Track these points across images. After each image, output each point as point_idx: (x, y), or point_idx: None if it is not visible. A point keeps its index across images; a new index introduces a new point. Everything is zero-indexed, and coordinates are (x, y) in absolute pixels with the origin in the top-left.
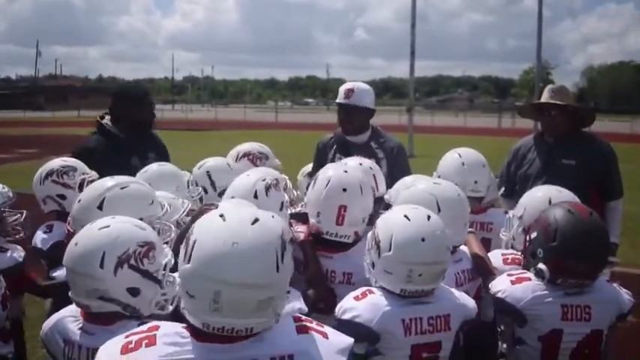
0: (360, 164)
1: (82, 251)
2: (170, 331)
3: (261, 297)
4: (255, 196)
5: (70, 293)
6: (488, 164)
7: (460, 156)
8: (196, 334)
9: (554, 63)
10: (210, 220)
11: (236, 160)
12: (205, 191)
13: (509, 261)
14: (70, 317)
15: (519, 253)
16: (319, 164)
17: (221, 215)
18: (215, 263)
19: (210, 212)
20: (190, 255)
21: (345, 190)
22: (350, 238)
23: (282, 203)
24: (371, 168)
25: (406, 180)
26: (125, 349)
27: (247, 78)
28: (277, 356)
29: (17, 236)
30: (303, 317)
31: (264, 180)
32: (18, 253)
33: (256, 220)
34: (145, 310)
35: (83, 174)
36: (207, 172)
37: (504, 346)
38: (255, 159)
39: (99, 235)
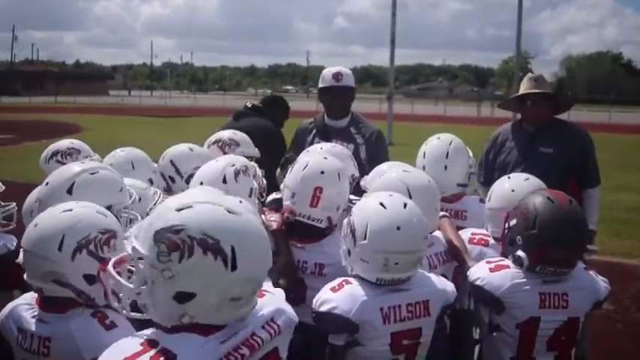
0: (333, 146)
1: (41, 233)
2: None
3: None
4: (224, 181)
5: (25, 275)
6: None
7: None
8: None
9: (533, 53)
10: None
11: (208, 147)
12: (172, 180)
13: (475, 241)
14: (25, 305)
15: (490, 236)
16: (297, 149)
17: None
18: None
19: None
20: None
21: (322, 172)
22: (322, 223)
23: (251, 190)
24: (338, 150)
25: (381, 167)
26: None
27: (227, 65)
28: None
29: (7, 228)
30: None
31: (233, 165)
32: (10, 242)
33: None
34: (100, 300)
35: (86, 157)
36: (171, 160)
37: (478, 331)
38: (224, 145)
39: (60, 218)
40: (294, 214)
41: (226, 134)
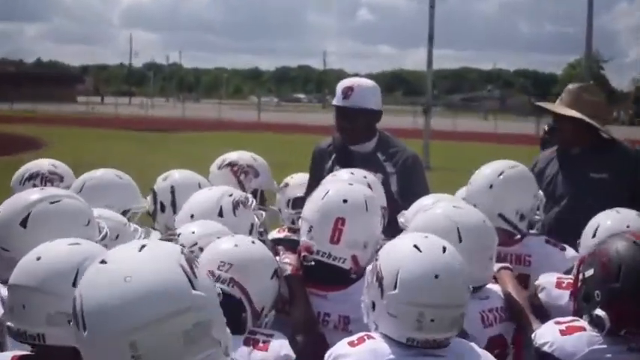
0: (352, 174)
1: (49, 267)
2: None
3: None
4: (220, 214)
5: (11, 323)
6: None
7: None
8: None
9: (607, 55)
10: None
11: (219, 168)
12: (162, 208)
13: (564, 285)
14: None
15: None
16: (316, 177)
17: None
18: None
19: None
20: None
21: (345, 201)
22: (346, 263)
23: (252, 225)
24: (365, 177)
25: (424, 201)
26: None
27: (223, 67)
28: None
29: None
30: None
31: (230, 195)
32: None
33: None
34: None
35: (68, 187)
36: (172, 187)
37: None
38: (239, 171)
39: (71, 251)
40: (311, 252)
41: (245, 157)
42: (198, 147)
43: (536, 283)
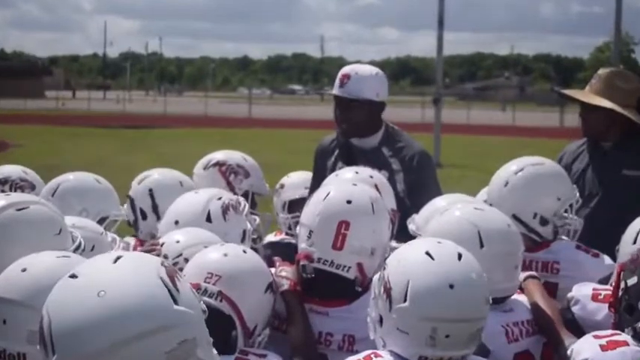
0: (357, 173)
1: (34, 280)
2: None
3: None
4: (209, 219)
5: None
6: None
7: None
8: None
9: (638, 37)
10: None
11: (204, 168)
12: (144, 215)
13: (600, 298)
14: None
15: None
16: (319, 178)
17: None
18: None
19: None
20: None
21: (349, 202)
22: (350, 272)
23: (244, 232)
24: (371, 177)
25: (438, 202)
26: None
27: (209, 55)
28: None
29: None
30: None
31: (219, 199)
32: None
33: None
34: None
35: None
36: (150, 190)
37: None
38: (229, 172)
39: (59, 263)
40: (311, 260)
41: (234, 156)
42: (181, 145)
43: (569, 295)
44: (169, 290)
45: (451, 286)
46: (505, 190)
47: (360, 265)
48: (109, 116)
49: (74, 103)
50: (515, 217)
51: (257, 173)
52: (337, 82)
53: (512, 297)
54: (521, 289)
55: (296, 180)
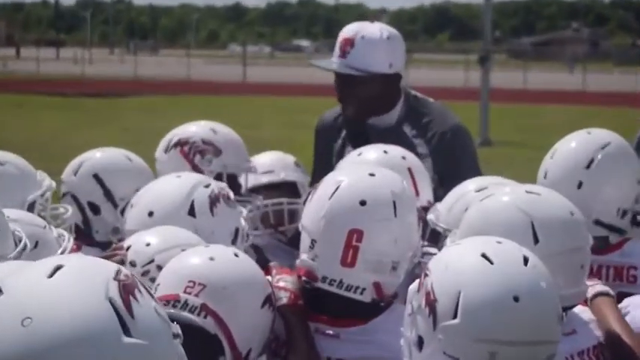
0: (385, 152)
1: None
2: None
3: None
4: (192, 213)
5: None
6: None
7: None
8: None
9: None
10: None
11: (166, 151)
12: (95, 209)
13: None
14: None
15: None
16: (322, 163)
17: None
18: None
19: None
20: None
21: (363, 203)
22: (365, 295)
23: (237, 230)
24: (404, 158)
25: (466, 186)
26: None
27: (192, 3)
28: None
29: None
30: None
31: (207, 186)
32: None
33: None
34: None
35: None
36: (95, 175)
37: None
38: (192, 151)
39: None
40: (314, 279)
41: (200, 130)
42: (157, 119)
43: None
44: (120, 316)
45: (516, 299)
46: (581, 193)
47: (377, 285)
48: (64, 80)
49: (18, 63)
50: (597, 223)
51: (232, 148)
52: (337, 49)
53: (574, 311)
54: (585, 302)
55: (262, 161)
